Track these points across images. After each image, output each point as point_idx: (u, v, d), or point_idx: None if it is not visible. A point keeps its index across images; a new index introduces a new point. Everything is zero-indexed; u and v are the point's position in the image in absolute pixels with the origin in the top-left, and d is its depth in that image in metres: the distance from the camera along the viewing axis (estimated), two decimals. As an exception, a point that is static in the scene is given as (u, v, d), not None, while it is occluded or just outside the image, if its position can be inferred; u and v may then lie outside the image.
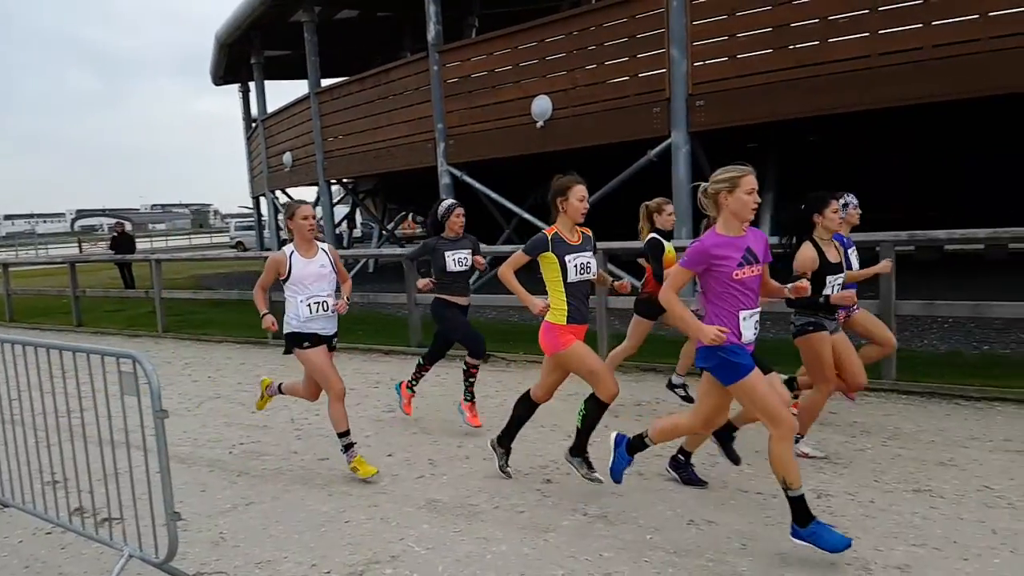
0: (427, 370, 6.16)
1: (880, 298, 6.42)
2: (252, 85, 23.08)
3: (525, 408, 4.63)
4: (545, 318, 4.27)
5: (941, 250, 15.91)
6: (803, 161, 13.83)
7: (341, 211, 24.30)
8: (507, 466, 4.76)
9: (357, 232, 29.43)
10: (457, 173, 13.53)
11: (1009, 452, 4.75)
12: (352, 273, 19.09)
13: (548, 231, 4.23)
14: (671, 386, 6.26)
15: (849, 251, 5.05)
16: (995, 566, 3.33)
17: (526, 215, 13.13)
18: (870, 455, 4.83)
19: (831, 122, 10.57)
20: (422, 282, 5.69)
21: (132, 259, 16.59)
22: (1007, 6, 8.20)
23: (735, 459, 4.50)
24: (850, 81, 9.02)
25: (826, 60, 9.20)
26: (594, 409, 4.30)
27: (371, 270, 20.65)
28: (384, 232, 22.50)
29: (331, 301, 4.83)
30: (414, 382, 6.19)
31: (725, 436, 4.50)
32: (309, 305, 4.74)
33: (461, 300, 5.77)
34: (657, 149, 10.66)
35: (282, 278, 4.75)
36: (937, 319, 9.24)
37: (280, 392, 5.52)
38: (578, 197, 4.19)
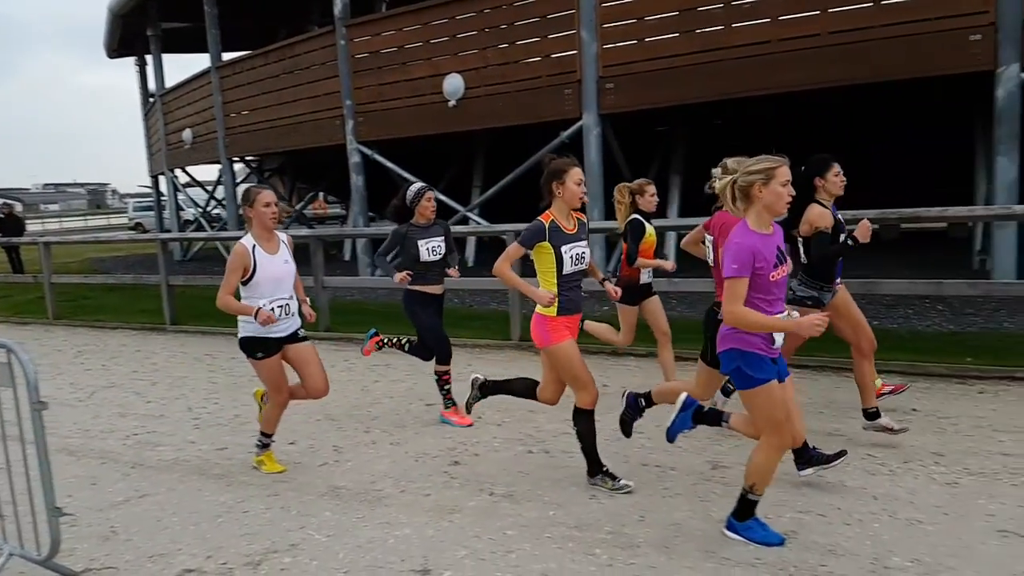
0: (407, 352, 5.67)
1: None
2: (149, 58, 21.89)
3: (524, 390, 4.41)
4: (536, 309, 4.03)
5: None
6: (710, 145, 14.19)
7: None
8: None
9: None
10: (367, 151, 13.26)
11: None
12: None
13: (544, 218, 3.95)
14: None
15: None
16: (875, 530, 3.53)
17: (441, 196, 12.96)
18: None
19: (736, 105, 10.89)
20: (399, 276, 5.27)
21: (19, 242, 15.56)
22: (897, -5, 8.62)
23: (629, 433, 4.42)
24: (752, 66, 9.30)
25: (729, 45, 9.45)
26: (585, 423, 4.07)
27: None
28: (293, 212, 21.87)
29: (293, 303, 4.44)
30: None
31: (635, 408, 4.40)
32: (274, 308, 4.29)
33: (436, 290, 5.44)
34: (569, 131, 10.72)
35: (244, 277, 4.24)
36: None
37: (265, 439, 4.86)
38: (575, 180, 3.94)
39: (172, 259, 19.42)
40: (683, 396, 3.89)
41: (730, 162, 3.79)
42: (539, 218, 3.97)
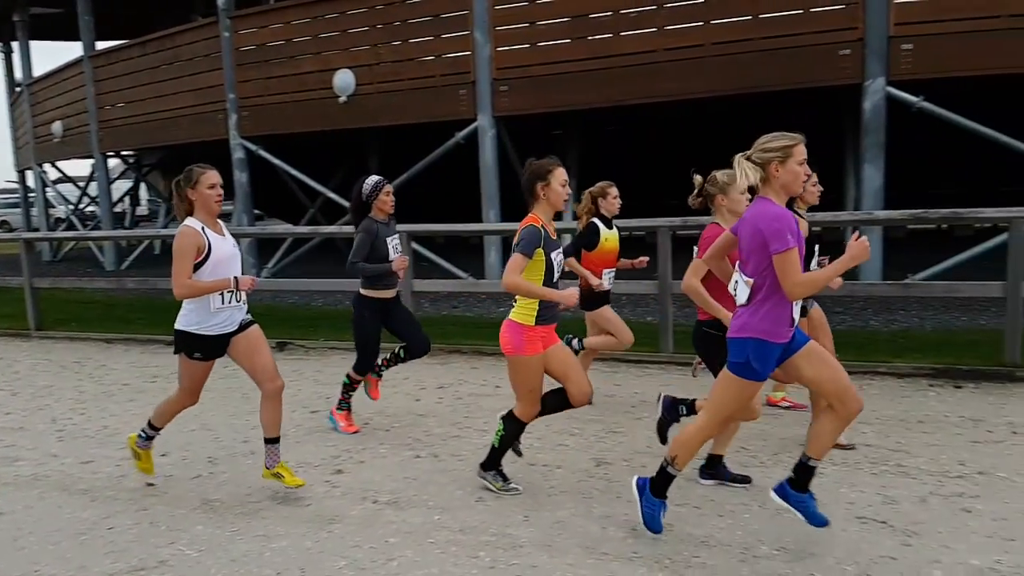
0: (402, 362, 5.30)
1: (659, 278, 6.89)
2: (16, 45, 20.31)
3: (512, 430, 4.06)
4: (510, 315, 3.85)
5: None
6: (602, 150, 14.55)
7: (123, 186, 22.20)
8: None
9: (143, 210, 26.92)
10: (252, 147, 12.79)
11: (766, 416, 5.25)
12: (134, 255, 17.49)
13: (534, 222, 3.76)
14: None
15: None
16: (745, 520, 3.67)
17: (331, 195, 12.69)
18: (647, 423, 5.14)
19: (627, 112, 11.18)
20: (398, 262, 4.91)
21: None
22: (776, 8, 9.08)
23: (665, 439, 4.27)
24: (640, 74, 9.57)
25: (618, 53, 9.69)
26: (513, 429, 4.02)
27: (156, 251, 19.05)
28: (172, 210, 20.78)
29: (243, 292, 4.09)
30: (383, 368, 5.34)
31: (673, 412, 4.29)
32: (222, 295, 3.93)
33: (392, 294, 5.07)
34: (464, 132, 10.70)
35: (197, 259, 3.87)
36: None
37: (152, 431, 4.39)
38: (560, 182, 3.77)
39: (39, 260, 18.11)
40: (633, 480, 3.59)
41: (719, 174, 3.95)
42: (531, 223, 3.76)
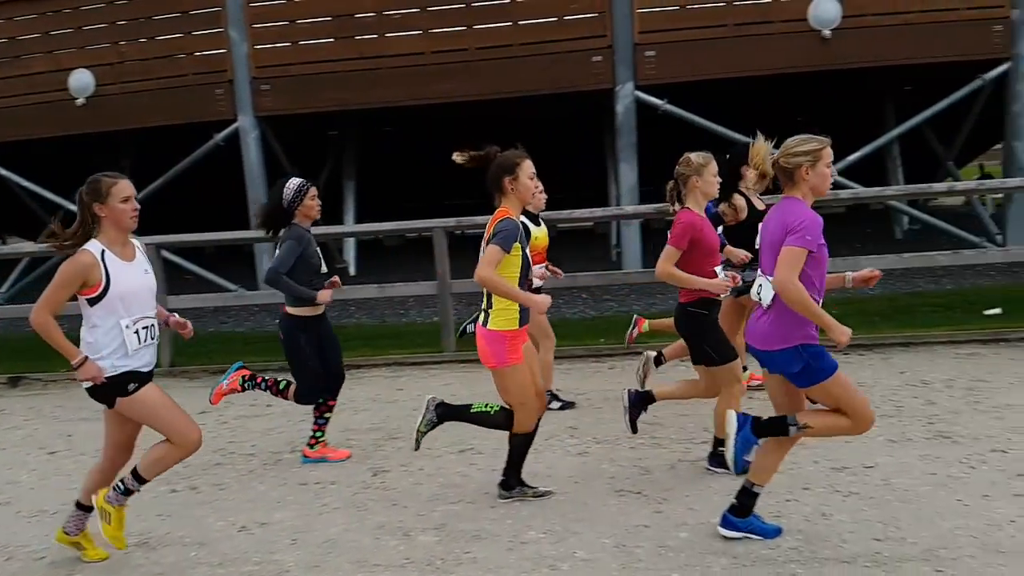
0: (280, 396, 4.58)
1: (438, 278, 6.93)
2: None
3: (522, 442, 3.86)
4: (488, 325, 3.61)
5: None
6: (382, 151, 14.40)
7: None
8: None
9: None
10: (-26, 157, 11.13)
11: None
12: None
13: (509, 215, 3.60)
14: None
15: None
16: (515, 508, 3.76)
17: (75, 208, 11.34)
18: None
19: (402, 113, 11.13)
20: (326, 293, 4.39)
21: None
22: (532, 16, 9.50)
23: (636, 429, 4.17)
24: (409, 75, 9.58)
25: (386, 54, 9.63)
26: (520, 444, 3.82)
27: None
28: None
29: (157, 327, 3.42)
30: (254, 386, 4.62)
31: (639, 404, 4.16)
32: (138, 332, 3.28)
33: (320, 309, 4.50)
34: (224, 133, 10.08)
35: (91, 294, 3.20)
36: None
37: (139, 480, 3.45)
38: (528, 174, 3.65)
39: None
40: (733, 417, 3.32)
41: (693, 156, 3.94)
42: (508, 216, 3.60)
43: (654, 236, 12.01)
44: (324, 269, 4.54)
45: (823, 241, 3.04)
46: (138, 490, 3.40)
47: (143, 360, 3.31)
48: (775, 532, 3.31)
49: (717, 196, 4.22)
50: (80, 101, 10.14)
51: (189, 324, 3.64)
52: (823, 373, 3.07)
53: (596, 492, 3.90)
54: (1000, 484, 3.68)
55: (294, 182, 4.45)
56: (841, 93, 13.12)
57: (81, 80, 10.10)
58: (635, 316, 5.70)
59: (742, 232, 4.83)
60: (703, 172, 3.93)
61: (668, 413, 4.96)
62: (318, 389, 4.47)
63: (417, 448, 3.94)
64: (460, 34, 9.64)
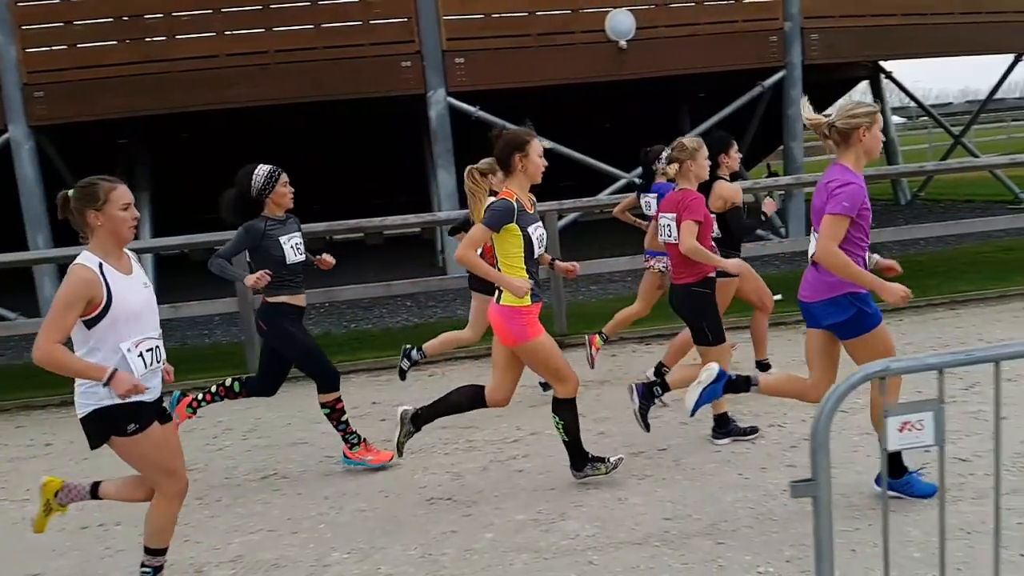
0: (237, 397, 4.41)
1: (238, 295, 6.57)
2: None
3: (469, 401, 3.84)
4: (502, 301, 3.56)
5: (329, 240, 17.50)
6: (178, 159, 13.51)
7: None
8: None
9: None
10: None
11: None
12: None
13: (507, 195, 3.55)
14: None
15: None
16: (320, 531, 3.61)
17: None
18: (228, 452, 4.82)
19: (198, 119, 10.48)
20: (253, 277, 4.08)
21: None
22: (335, 19, 9.27)
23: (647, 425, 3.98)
24: (203, 79, 9.02)
25: (176, 57, 9.01)
26: (568, 414, 3.74)
27: None
28: None
29: (162, 345, 3.01)
30: (203, 403, 4.43)
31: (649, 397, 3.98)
32: (143, 355, 2.86)
33: (303, 300, 4.32)
34: (-11, 145, 8.98)
35: (90, 314, 2.77)
36: (336, 303, 9.70)
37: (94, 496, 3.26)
38: (538, 152, 3.61)
39: None
40: (715, 368, 3.58)
41: (687, 141, 4.14)
42: (502, 196, 3.58)
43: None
44: (292, 260, 4.21)
45: (867, 205, 3.22)
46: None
47: (148, 386, 2.88)
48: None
49: (707, 178, 4.38)
50: None
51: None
52: (872, 319, 3.23)
53: (406, 503, 3.83)
54: (776, 456, 4.02)
55: (263, 169, 4.20)
56: (642, 100, 14.00)
57: None
58: (586, 336, 5.51)
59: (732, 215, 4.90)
60: (696, 156, 4.18)
61: (483, 416, 4.97)
62: (332, 368, 4.28)
63: (400, 455, 4.02)
64: (259, 36, 9.23)
